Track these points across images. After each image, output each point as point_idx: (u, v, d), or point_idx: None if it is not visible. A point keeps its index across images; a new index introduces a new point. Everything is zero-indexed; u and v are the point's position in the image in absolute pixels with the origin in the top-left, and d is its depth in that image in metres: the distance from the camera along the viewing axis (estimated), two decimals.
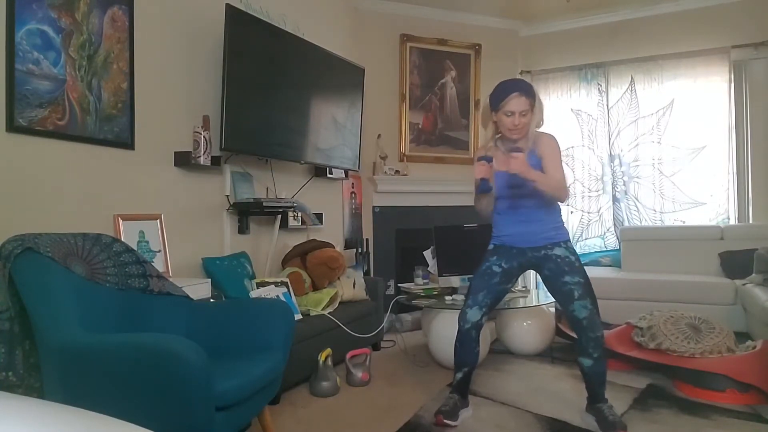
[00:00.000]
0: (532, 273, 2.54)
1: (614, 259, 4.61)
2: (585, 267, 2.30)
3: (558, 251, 2.26)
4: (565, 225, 2.37)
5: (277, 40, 3.14)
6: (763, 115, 4.29)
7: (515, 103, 2.17)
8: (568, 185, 2.32)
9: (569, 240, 2.32)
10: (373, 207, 4.48)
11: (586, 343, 2.19)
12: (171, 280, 2.17)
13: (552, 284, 2.27)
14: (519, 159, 2.08)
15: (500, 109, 2.21)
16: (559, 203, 2.34)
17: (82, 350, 1.54)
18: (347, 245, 4.14)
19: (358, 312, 3.28)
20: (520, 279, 4.21)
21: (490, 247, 2.40)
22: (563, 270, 2.22)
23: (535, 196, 2.22)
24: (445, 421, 2.23)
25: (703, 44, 4.44)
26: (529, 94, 2.20)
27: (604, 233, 4.86)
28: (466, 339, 2.32)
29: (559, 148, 2.29)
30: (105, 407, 0.80)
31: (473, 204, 2.41)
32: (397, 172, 4.46)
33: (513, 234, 2.32)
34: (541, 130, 2.36)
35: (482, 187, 2.20)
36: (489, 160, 2.16)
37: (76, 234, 1.94)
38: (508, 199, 2.31)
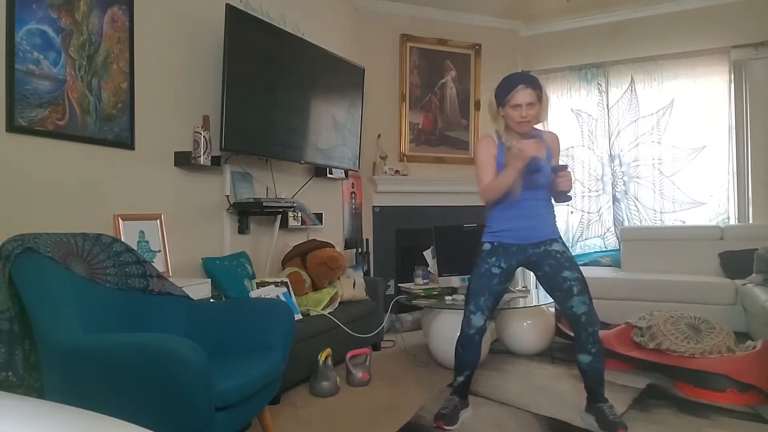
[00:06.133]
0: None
1: (614, 259, 4.62)
2: (585, 267, 2.30)
3: (556, 246, 2.26)
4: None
5: (277, 40, 3.14)
6: (763, 115, 4.29)
7: (521, 95, 2.17)
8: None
9: (561, 236, 2.36)
10: (373, 207, 4.48)
11: (585, 339, 2.19)
12: (171, 280, 2.17)
13: (551, 280, 2.26)
14: (568, 177, 2.16)
15: (507, 103, 2.21)
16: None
17: (82, 350, 1.54)
18: (347, 245, 4.14)
19: (358, 312, 3.27)
20: (520, 279, 4.23)
21: (487, 246, 2.31)
22: (563, 265, 2.22)
23: (542, 189, 2.23)
24: (445, 427, 2.23)
25: (703, 44, 4.45)
26: (535, 85, 2.20)
27: (604, 233, 4.86)
28: (469, 343, 2.31)
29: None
30: (105, 407, 0.80)
31: (487, 188, 2.23)
32: (397, 172, 4.46)
33: (514, 229, 2.27)
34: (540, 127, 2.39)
35: (533, 166, 2.12)
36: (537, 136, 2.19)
37: (76, 234, 1.94)
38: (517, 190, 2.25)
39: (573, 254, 2.37)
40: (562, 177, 2.16)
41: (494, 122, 2.34)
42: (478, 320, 2.29)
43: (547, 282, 2.29)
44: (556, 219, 2.36)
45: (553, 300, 2.37)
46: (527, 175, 2.15)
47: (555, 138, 2.35)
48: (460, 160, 4.77)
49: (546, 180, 2.21)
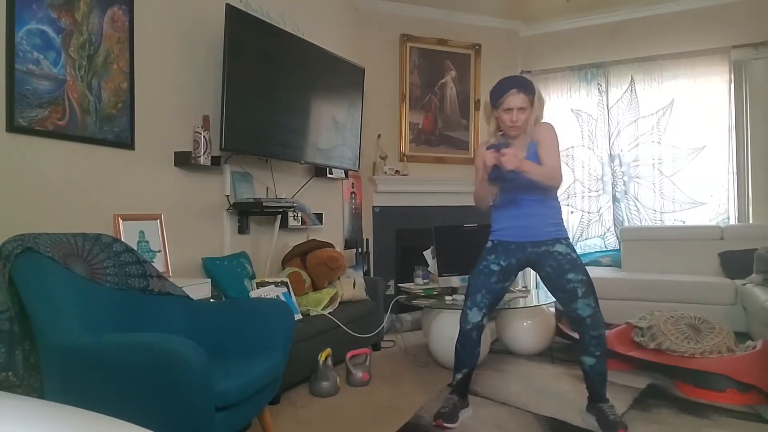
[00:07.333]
0: (532, 272, 2.52)
1: (614, 259, 4.61)
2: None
3: (559, 248, 2.25)
4: (564, 224, 2.36)
5: (277, 40, 3.14)
6: (763, 115, 4.29)
7: (513, 99, 2.18)
8: (562, 171, 2.26)
9: (569, 238, 2.32)
10: (373, 207, 4.48)
11: (589, 342, 2.19)
12: (171, 280, 2.17)
13: (554, 282, 2.26)
14: (508, 154, 2.02)
15: (499, 106, 2.22)
16: (559, 202, 2.35)
17: (82, 350, 1.54)
18: (347, 245, 4.14)
19: (358, 312, 3.27)
20: (520, 278, 4.22)
21: (489, 244, 2.38)
22: (565, 268, 2.21)
23: (533, 189, 2.21)
24: (445, 424, 2.23)
25: (703, 44, 4.45)
26: (528, 90, 2.20)
27: (604, 233, 4.86)
28: (467, 340, 2.32)
29: (555, 134, 2.26)
30: (105, 407, 0.80)
31: (473, 196, 2.36)
32: (397, 172, 4.46)
33: (512, 227, 2.30)
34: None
35: (494, 175, 2.11)
36: (498, 147, 2.09)
37: (76, 234, 1.94)
38: (507, 192, 2.29)
39: None
40: (503, 155, 2.05)
41: (487, 123, 2.37)
42: (474, 316, 2.30)
43: (549, 283, 2.29)
44: (562, 219, 2.34)
45: (557, 300, 2.36)
46: (491, 183, 2.20)
47: (545, 128, 2.26)
48: (460, 160, 4.77)
49: (526, 180, 2.14)
